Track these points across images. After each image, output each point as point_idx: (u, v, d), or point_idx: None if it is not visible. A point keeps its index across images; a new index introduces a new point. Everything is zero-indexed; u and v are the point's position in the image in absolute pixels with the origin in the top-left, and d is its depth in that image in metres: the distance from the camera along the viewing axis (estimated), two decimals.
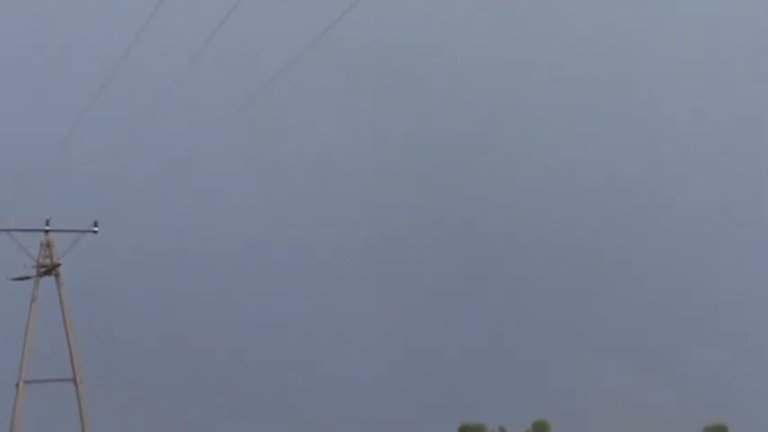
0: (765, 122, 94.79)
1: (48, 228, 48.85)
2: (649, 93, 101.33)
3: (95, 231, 48.36)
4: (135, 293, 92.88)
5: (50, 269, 48.32)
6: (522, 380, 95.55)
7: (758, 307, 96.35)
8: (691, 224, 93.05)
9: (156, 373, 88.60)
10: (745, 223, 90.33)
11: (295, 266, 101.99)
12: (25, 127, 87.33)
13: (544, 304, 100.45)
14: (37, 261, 48.45)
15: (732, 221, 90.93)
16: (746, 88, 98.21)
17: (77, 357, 48.33)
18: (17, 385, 47.26)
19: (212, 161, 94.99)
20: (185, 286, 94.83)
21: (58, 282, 48.62)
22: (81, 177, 61.19)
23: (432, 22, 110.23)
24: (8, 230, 48.03)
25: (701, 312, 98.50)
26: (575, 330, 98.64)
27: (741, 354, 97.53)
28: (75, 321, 48.89)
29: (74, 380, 48.17)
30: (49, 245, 48.74)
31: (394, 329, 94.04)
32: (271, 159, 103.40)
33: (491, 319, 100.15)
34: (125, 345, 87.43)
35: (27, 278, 48.30)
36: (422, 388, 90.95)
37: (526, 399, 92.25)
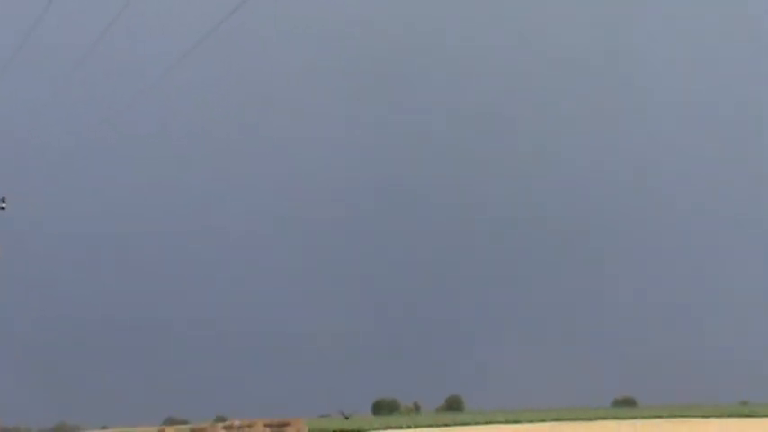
0: (765, 122, 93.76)
1: None
2: (649, 92, 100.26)
3: (3, 208, 46.87)
4: (37, 270, 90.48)
5: None
6: (441, 360, 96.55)
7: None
8: (691, 224, 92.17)
9: (58, 348, 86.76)
10: (745, 223, 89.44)
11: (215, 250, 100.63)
12: None
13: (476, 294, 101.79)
14: None
15: (732, 221, 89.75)
16: (746, 88, 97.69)
17: None
18: None
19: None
20: (116, 266, 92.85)
21: None
22: None
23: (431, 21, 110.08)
24: None
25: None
26: (503, 317, 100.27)
27: (653, 335, 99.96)
28: None
29: None
30: None
31: (319, 312, 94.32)
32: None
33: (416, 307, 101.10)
34: (26, 318, 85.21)
35: None
36: (339, 365, 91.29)
37: (441, 377, 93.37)
